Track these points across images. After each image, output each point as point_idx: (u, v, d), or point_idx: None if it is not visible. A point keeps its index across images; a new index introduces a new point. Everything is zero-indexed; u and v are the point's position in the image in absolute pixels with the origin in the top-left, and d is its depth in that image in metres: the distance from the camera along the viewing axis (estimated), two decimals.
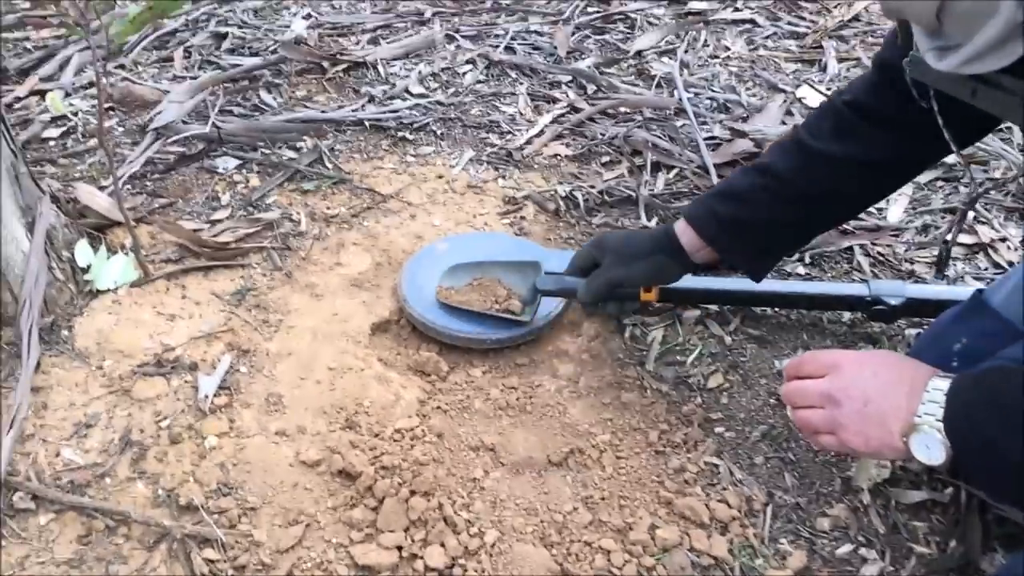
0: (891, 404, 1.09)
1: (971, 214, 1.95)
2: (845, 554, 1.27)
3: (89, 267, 1.71)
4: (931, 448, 1.05)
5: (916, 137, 1.29)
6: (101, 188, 1.93)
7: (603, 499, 1.33)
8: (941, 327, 1.36)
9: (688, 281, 1.63)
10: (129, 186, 2.01)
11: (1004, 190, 2.05)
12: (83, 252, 1.72)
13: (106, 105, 2.26)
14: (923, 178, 2.10)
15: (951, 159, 2.12)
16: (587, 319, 1.71)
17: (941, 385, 1.06)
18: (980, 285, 1.66)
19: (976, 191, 1.29)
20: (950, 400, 1.05)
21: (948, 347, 1.30)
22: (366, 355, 1.61)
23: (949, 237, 1.47)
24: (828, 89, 2.49)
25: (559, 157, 2.24)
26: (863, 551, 1.27)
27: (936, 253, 1.78)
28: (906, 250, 1.87)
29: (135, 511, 1.27)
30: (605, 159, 2.23)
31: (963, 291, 1.51)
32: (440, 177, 2.14)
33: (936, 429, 1.04)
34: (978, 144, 2.03)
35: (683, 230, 1.46)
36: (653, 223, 1.97)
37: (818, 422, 1.15)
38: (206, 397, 1.46)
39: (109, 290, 1.69)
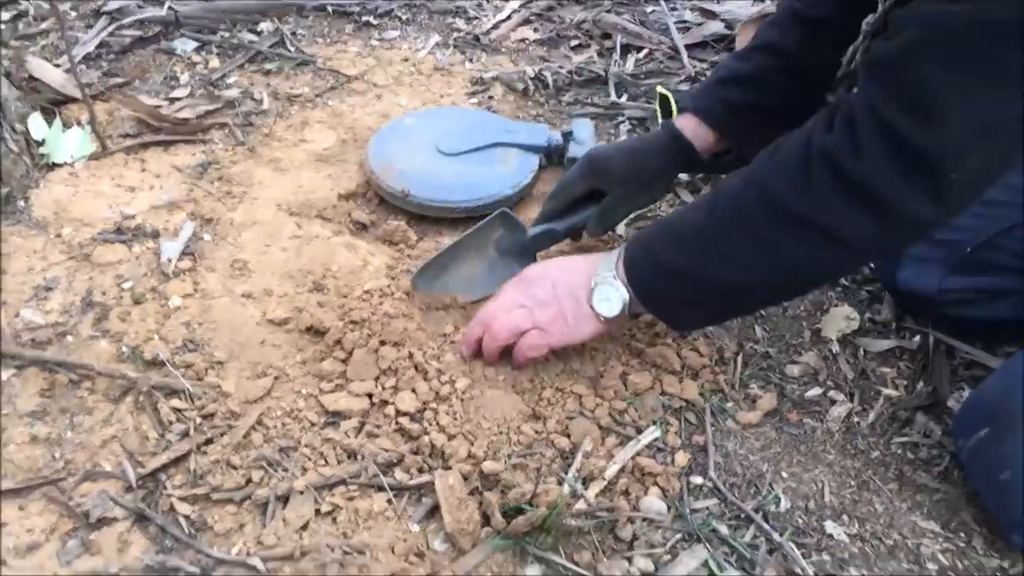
0: (575, 278, 1.20)
1: None
2: (814, 397, 1.28)
3: (44, 141, 1.66)
4: (611, 299, 1.16)
5: None
6: (56, 66, 1.86)
7: (574, 351, 1.32)
8: None
9: None
10: (83, 66, 1.95)
11: None
12: (37, 125, 1.67)
13: None
14: None
15: None
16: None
17: (616, 251, 1.18)
18: None
19: (882, 11, 1.26)
20: (627, 247, 1.16)
21: None
22: (333, 224, 1.58)
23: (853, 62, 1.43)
24: None
25: (527, 41, 2.20)
26: (832, 394, 1.28)
27: None
28: None
29: (99, 364, 1.24)
30: (574, 43, 2.19)
31: None
32: (406, 60, 2.10)
33: (611, 275, 1.15)
34: None
35: (690, 125, 1.37)
36: (623, 99, 1.94)
37: (520, 320, 1.21)
38: (169, 260, 1.43)
39: (66, 163, 1.64)
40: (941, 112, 0.91)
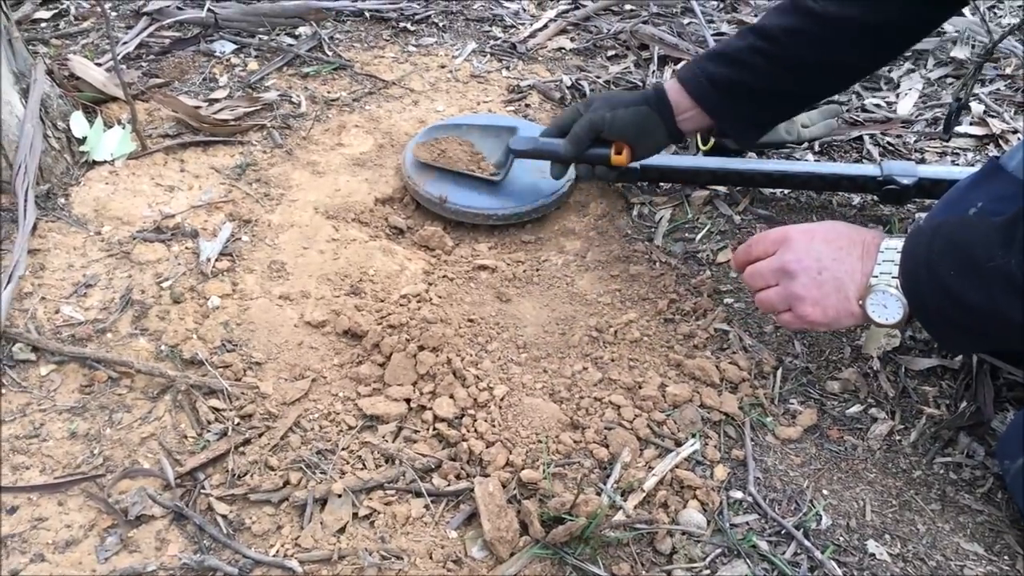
0: (845, 268, 1.09)
1: (982, 107, 1.92)
2: (855, 414, 1.26)
3: (85, 138, 1.67)
4: (888, 307, 1.06)
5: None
6: (97, 65, 1.87)
7: (612, 360, 1.31)
8: (958, 192, 1.34)
9: (694, 160, 1.62)
10: (124, 66, 1.96)
11: (1016, 86, 2.02)
12: (79, 123, 1.68)
13: None
14: (933, 74, 2.07)
15: (959, 53, 2.09)
16: (594, 199, 1.68)
17: (894, 244, 1.06)
18: None
19: (992, 43, 1.25)
20: (905, 255, 1.05)
21: (964, 211, 1.28)
22: (370, 228, 1.58)
23: (962, 94, 1.43)
24: None
25: (563, 51, 2.20)
26: (873, 411, 1.27)
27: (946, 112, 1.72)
28: (916, 140, 1.84)
29: (139, 362, 1.25)
30: (610, 53, 2.19)
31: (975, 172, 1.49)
32: (443, 67, 2.10)
33: (892, 287, 1.05)
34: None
35: (673, 89, 1.42)
36: None
37: (776, 299, 1.14)
38: (208, 260, 1.44)
39: (106, 161, 1.65)
40: None
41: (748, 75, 1.35)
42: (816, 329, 1.25)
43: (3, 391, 1.22)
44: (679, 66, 1.46)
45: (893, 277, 1.05)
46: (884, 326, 1.08)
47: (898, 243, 1.06)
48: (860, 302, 1.07)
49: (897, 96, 2.00)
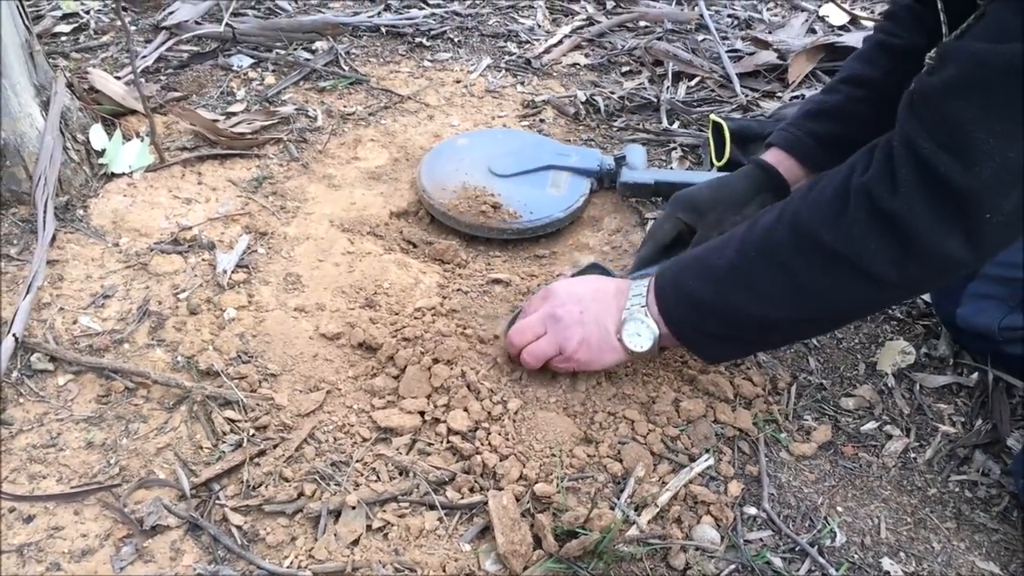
0: (603, 306, 1.18)
1: None
2: (870, 431, 1.26)
3: (104, 151, 1.68)
4: (641, 334, 1.16)
5: None
6: (117, 79, 1.89)
7: (626, 375, 1.31)
8: None
9: (708, 175, 1.62)
10: (143, 79, 1.98)
11: None
12: (98, 136, 1.69)
13: (120, 4, 2.22)
14: None
15: None
16: (608, 215, 1.69)
17: (644, 281, 1.17)
18: None
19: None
20: (657, 280, 1.15)
21: None
22: (385, 242, 1.59)
23: None
24: (852, 7, 2.45)
25: (578, 66, 2.21)
26: (888, 428, 1.26)
27: None
28: None
29: (155, 373, 1.26)
30: (625, 69, 2.20)
31: None
32: (458, 82, 2.11)
33: (642, 312, 1.15)
34: None
35: (777, 158, 1.37)
36: (675, 126, 1.94)
37: (546, 346, 1.21)
38: (224, 272, 1.45)
39: (124, 174, 1.67)
40: (978, 153, 0.89)
41: (854, 127, 1.31)
42: (584, 369, 1.24)
43: (21, 400, 1.23)
44: (774, 134, 1.42)
45: (641, 305, 1.15)
46: (640, 354, 1.16)
47: (647, 280, 1.17)
48: (618, 336, 1.17)
49: None
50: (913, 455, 1.23)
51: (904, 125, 0.98)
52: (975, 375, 1.33)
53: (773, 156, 1.38)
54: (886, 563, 1.08)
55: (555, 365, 1.23)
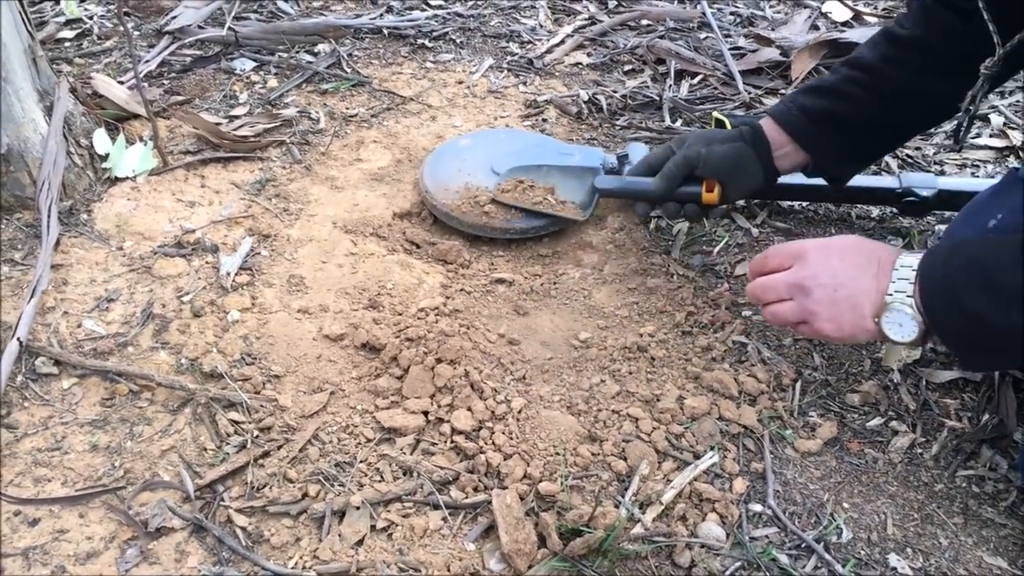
0: (861, 286, 1.09)
1: (1001, 119, 1.91)
2: (876, 426, 1.25)
3: (107, 155, 1.69)
4: (904, 325, 1.06)
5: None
6: (120, 83, 1.90)
7: (630, 373, 1.31)
8: (977, 205, 1.33)
9: None
10: (145, 84, 1.98)
11: None
12: (101, 140, 1.70)
13: (123, 10, 2.23)
14: None
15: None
16: (612, 213, 1.68)
17: (910, 262, 1.07)
18: None
19: (1001, 55, 1.24)
20: (922, 273, 1.05)
21: (984, 223, 1.27)
22: (388, 243, 1.59)
23: (972, 106, 1.42)
24: (855, 3, 2.44)
25: (580, 66, 2.21)
26: (894, 424, 1.26)
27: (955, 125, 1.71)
28: (935, 152, 1.84)
29: (159, 375, 1.26)
30: (627, 67, 2.19)
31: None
32: (460, 83, 2.11)
33: (907, 305, 1.05)
34: None
35: (767, 125, 1.40)
36: (678, 124, 1.94)
37: (789, 314, 1.15)
38: (228, 274, 1.45)
39: (128, 178, 1.67)
40: None
41: (845, 106, 1.33)
42: (829, 341, 1.25)
43: (26, 404, 1.23)
44: (770, 107, 1.45)
45: (908, 296, 1.05)
46: (901, 343, 1.08)
47: (914, 260, 1.07)
48: (876, 320, 1.08)
49: None
50: (919, 450, 1.22)
51: None
52: None
53: (764, 123, 1.41)
54: (893, 559, 1.08)
55: (799, 330, 1.18)
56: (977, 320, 0.99)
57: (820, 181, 1.60)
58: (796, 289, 1.14)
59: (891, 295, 1.06)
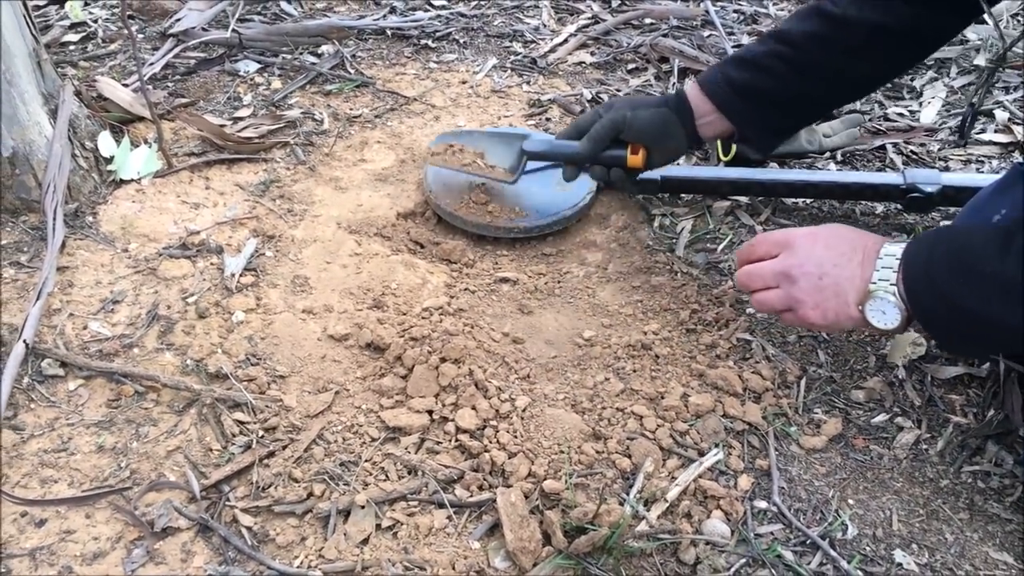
0: (845, 274, 1.11)
1: (1006, 114, 1.91)
2: (881, 423, 1.25)
3: (112, 158, 1.69)
4: (887, 313, 1.09)
5: (933, 5, 1.26)
6: (124, 86, 1.90)
7: (634, 371, 1.31)
8: (981, 200, 1.33)
9: (715, 171, 1.62)
10: (150, 86, 1.99)
11: None
12: (106, 143, 1.70)
13: (127, 13, 2.23)
14: (957, 82, 2.06)
15: (982, 61, 2.08)
16: (615, 211, 1.68)
17: (893, 250, 1.08)
18: None
19: (1004, 48, 1.24)
20: (906, 261, 1.07)
21: (988, 218, 1.27)
22: (392, 243, 1.59)
23: (975, 100, 1.43)
24: None
25: (584, 65, 2.21)
26: (899, 420, 1.25)
27: (961, 119, 1.71)
28: (940, 148, 1.83)
29: (165, 376, 1.26)
30: (631, 66, 2.19)
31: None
32: (463, 83, 2.12)
33: (890, 293, 1.07)
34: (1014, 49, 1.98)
35: (693, 93, 1.41)
36: None
37: (775, 301, 1.17)
38: (232, 275, 1.45)
39: (132, 180, 1.68)
40: None
41: (768, 80, 1.35)
42: (814, 329, 1.27)
43: (32, 406, 1.24)
44: (702, 72, 1.45)
45: (891, 284, 1.07)
46: (884, 331, 1.10)
47: (898, 249, 1.08)
48: (860, 307, 1.10)
49: (920, 104, 1.99)
50: (925, 446, 1.22)
51: None
52: (987, 365, 1.32)
53: (691, 88, 1.42)
54: (898, 555, 1.07)
55: (784, 318, 1.19)
56: (957, 308, 1.02)
57: (821, 177, 1.61)
58: (782, 277, 1.16)
59: (875, 283, 1.09)
